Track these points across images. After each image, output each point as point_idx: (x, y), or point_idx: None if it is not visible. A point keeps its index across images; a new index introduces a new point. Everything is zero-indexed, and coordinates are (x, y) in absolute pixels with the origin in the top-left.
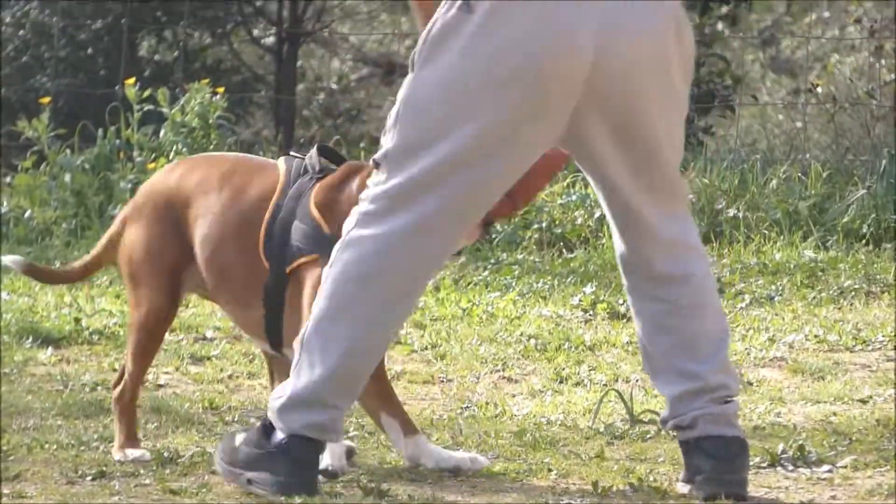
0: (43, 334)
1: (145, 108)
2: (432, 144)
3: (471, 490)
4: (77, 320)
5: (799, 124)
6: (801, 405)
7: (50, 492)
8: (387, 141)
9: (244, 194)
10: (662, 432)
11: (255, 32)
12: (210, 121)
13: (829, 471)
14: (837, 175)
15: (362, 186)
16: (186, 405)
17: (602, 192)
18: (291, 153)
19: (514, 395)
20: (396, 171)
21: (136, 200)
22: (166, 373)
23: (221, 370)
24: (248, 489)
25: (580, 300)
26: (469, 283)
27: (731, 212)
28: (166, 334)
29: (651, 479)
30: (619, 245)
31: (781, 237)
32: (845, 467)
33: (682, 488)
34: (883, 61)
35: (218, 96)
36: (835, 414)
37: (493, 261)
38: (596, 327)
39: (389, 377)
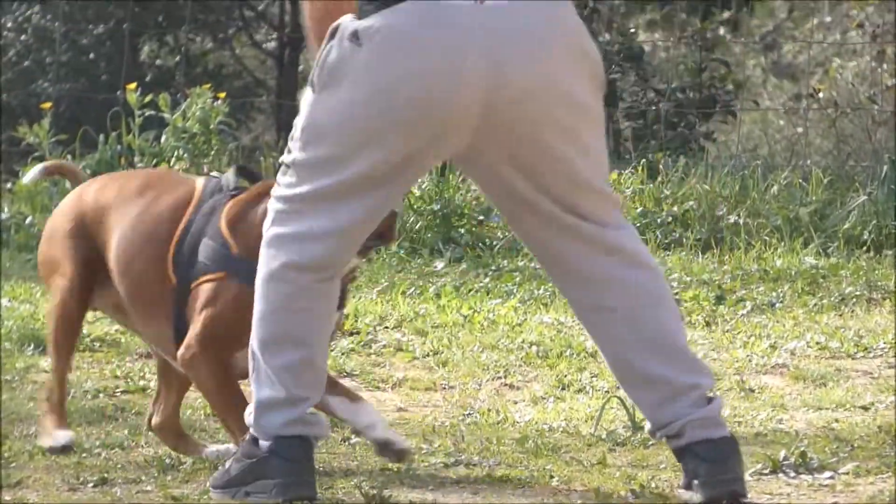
0: (44, 341)
1: (147, 114)
2: (337, 165)
3: (472, 496)
4: None
5: (800, 129)
6: (803, 412)
7: (52, 498)
8: (294, 149)
9: (157, 208)
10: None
11: (257, 37)
12: (211, 126)
13: (831, 477)
14: (839, 181)
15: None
16: (188, 412)
17: (519, 213)
18: (212, 174)
19: (515, 402)
20: (305, 180)
21: (53, 217)
22: None
23: None
24: (248, 501)
25: None
26: (470, 290)
27: (732, 218)
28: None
29: (653, 485)
30: (553, 262)
31: (782, 244)
32: (847, 474)
33: (684, 495)
34: (885, 66)
35: (219, 101)
36: (836, 421)
37: (494, 268)
38: None
39: (392, 384)
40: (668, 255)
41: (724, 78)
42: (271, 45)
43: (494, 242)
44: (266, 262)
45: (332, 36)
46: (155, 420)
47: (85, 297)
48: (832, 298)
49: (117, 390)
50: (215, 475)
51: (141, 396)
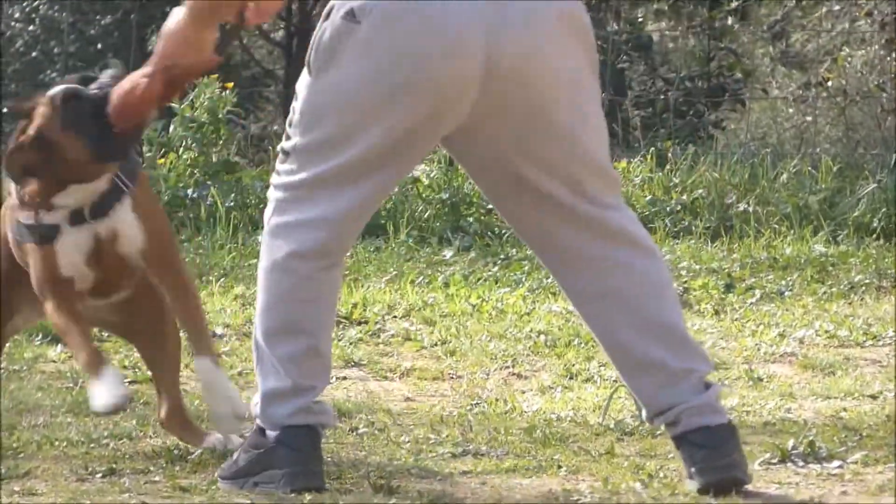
0: (52, 331)
1: None
2: (338, 147)
3: (480, 486)
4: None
5: (809, 118)
6: (812, 401)
7: (60, 489)
8: (293, 134)
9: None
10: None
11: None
12: (220, 116)
13: (840, 466)
14: (848, 169)
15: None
16: (196, 402)
17: (514, 195)
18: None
19: (523, 392)
20: (305, 165)
21: None
22: None
23: (231, 367)
24: (256, 492)
25: None
26: (479, 279)
27: (742, 206)
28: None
29: (661, 475)
30: (548, 248)
31: (792, 232)
32: (856, 463)
33: (690, 485)
34: (893, 55)
35: (227, 91)
36: (845, 409)
37: (502, 256)
38: None
39: (399, 374)
40: (676, 243)
41: (732, 67)
42: (279, 35)
43: (503, 231)
44: (268, 252)
45: (326, 17)
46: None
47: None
48: (841, 287)
49: (126, 380)
50: (223, 466)
51: (149, 386)
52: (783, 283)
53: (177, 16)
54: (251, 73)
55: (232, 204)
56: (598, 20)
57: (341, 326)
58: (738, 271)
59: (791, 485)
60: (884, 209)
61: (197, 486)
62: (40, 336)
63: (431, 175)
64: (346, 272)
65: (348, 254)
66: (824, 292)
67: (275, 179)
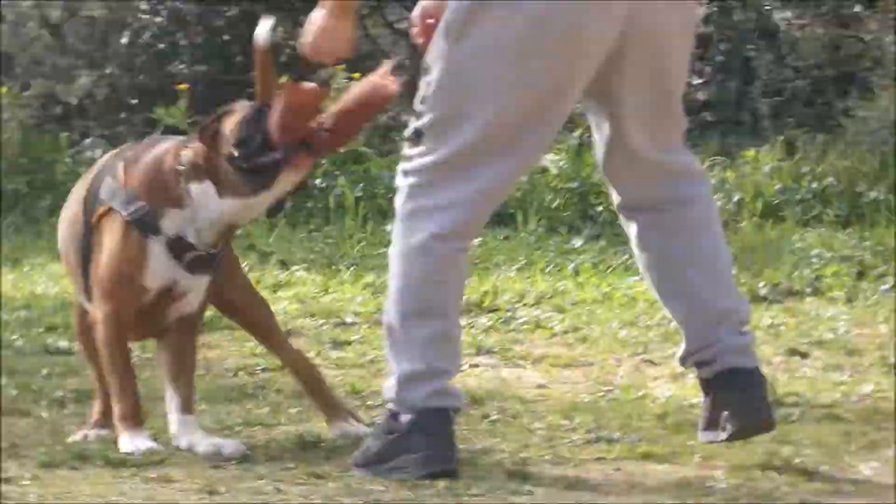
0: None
1: None
2: (476, 116)
3: (614, 472)
4: None
5: None
6: None
7: (195, 476)
8: (427, 110)
9: (90, 173)
10: (807, 414)
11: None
12: None
13: None
14: None
15: (168, 157)
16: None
17: (608, 132)
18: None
19: (655, 378)
20: (441, 142)
21: None
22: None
23: (362, 355)
24: (391, 478)
25: None
26: (609, 268)
27: (873, 194)
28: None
29: (796, 460)
30: (621, 182)
31: None
32: None
33: (707, 436)
34: None
35: (354, 81)
36: None
37: None
38: None
39: (531, 361)
40: (807, 231)
41: (861, 55)
42: (403, 24)
43: None
44: (404, 235)
45: None
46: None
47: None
48: None
49: (257, 368)
50: (355, 455)
51: (281, 374)
52: None
53: (318, 11)
54: (376, 62)
55: (360, 194)
56: (724, 9)
57: (472, 314)
58: (870, 259)
59: None
60: None
61: (331, 473)
62: None
63: (560, 164)
64: (477, 260)
65: (477, 242)
66: None
67: (406, 165)
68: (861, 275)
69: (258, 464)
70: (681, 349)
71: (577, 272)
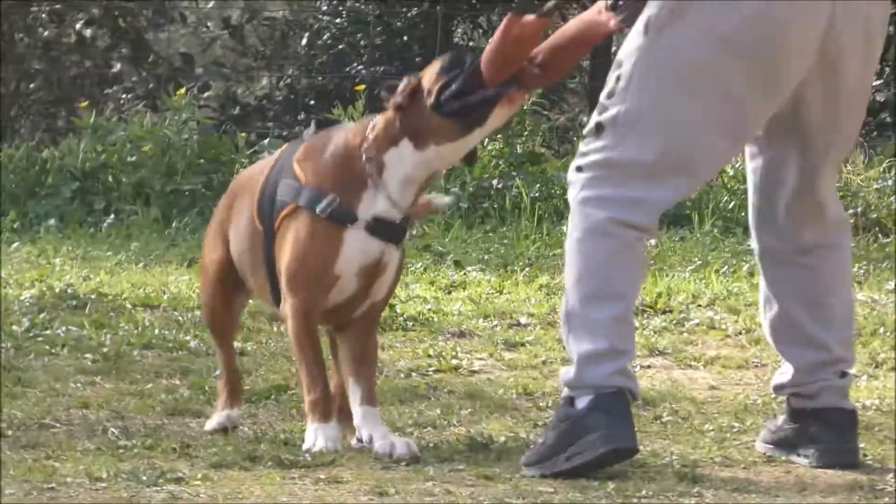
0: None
1: None
2: (664, 116)
3: (785, 475)
4: (392, 306)
5: None
6: None
7: (365, 477)
8: (613, 104)
9: (248, 181)
10: None
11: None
12: (524, 107)
13: None
14: None
15: (349, 140)
16: (500, 391)
17: (789, 164)
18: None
19: None
20: (624, 139)
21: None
22: (480, 359)
23: (535, 356)
24: (570, 468)
25: (895, 285)
26: None
27: None
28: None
29: None
30: (767, 206)
31: None
32: None
33: (761, 448)
34: None
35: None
36: None
37: None
38: None
39: (704, 362)
40: None
41: None
42: None
43: None
44: (581, 222)
45: None
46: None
47: (233, 280)
48: None
49: (429, 369)
50: (527, 455)
51: (454, 375)
52: None
53: None
54: None
55: (536, 195)
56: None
57: (645, 315)
58: None
59: None
60: None
61: (501, 475)
62: None
63: (736, 166)
64: (651, 262)
65: (652, 243)
66: None
67: (581, 161)
68: None
69: (428, 465)
70: (777, 378)
71: (751, 273)
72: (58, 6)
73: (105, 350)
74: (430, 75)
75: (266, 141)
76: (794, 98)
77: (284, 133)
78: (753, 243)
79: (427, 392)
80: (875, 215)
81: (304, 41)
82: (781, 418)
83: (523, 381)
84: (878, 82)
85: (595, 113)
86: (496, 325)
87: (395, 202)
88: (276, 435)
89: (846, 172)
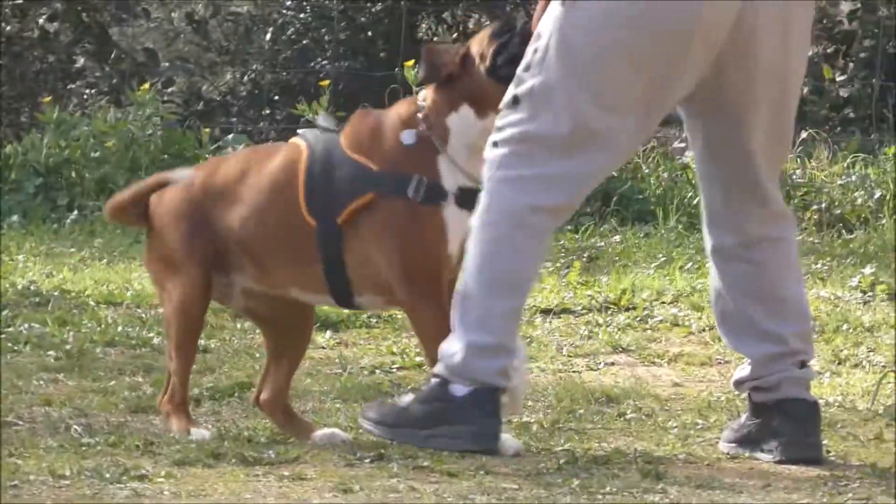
0: (322, 317)
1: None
2: (579, 88)
3: (748, 471)
4: None
5: None
6: None
7: (329, 474)
8: (530, 76)
9: (271, 171)
10: None
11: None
12: None
13: None
14: None
15: (403, 115)
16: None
17: (721, 151)
18: (298, 131)
19: None
20: (539, 111)
21: (161, 216)
22: None
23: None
24: (427, 445)
25: (859, 281)
26: None
27: None
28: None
29: None
30: (713, 202)
31: None
32: None
33: (725, 447)
34: None
35: None
36: None
37: None
38: (875, 309)
39: (667, 359)
40: None
41: None
42: None
43: None
44: (499, 202)
45: None
46: (263, 396)
47: (208, 293)
48: None
49: (393, 366)
50: (379, 409)
51: (417, 372)
52: None
53: None
54: None
55: None
56: (868, 4)
57: (609, 312)
58: None
59: None
60: None
61: (465, 471)
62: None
63: None
64: (616, 258)
65: (617, 239)
66: None
67: (497, 136)
68: None
69: (392, 461)
70: (738, 374)
71: None
72: (20, 1)
73: (68, 347)
74: (479, 40)
75: (230, 136)
76: (713, 80)
77: (248, 128)
78: (705, 241)
79: (391, 389)
80: (839, 211)
81: (268, 36)
82: (744, 416)
83: None
84: (842, 78)
85: (512, 85)
86: None
87: (466, 171)
88: (240, 432)
89: (810, 168)
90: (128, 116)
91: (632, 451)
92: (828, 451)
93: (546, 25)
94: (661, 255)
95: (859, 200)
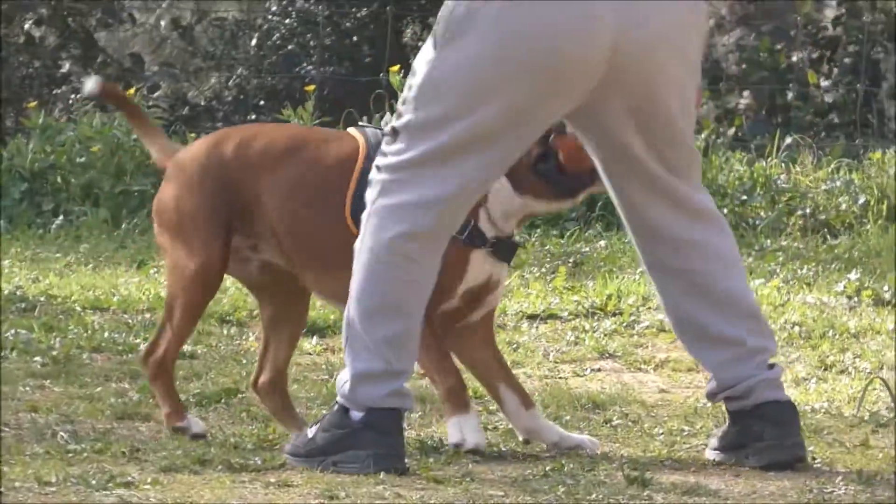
0: (308, 323)
1: None
2: (452, 123)
3: (734, 478)
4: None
5: None
6: None
7: (315, 480)
8: (406, 111)
9: (322, 163)
10: None
11: None
12: None
13: None
14: None
15: None
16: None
17: (619, 168)
18: (360, 124)
19: None
20: (416, 142)
21: (182, 170)
22: None
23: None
24: (335, 471)
25: (844, 287)
26: None
27: None
28: None
29: None
30: (632, 217)
31: None
32: None
33: (711, 455)
34: None
35: None
36: None
37: (756, 247)
38: (860, 314)
39: (654, 365)
40: None
41: None
42: None
43: (757, 222)
44: (373, 232)
45: None
46: (262, 379)
47: (227, 258)
48: None
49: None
50: (294, 442)
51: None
52: None
53: None
54: None
55: None
56: (852, 9)
57: (595, 318)
58: None
59: None
60: None
61: (451, 478)
62: None
63: None
64: (601, 263)
65: (603, 244)
66: None
67: (380, 161)
68: None
69: None
70: (708, 387)
71: None
72: (5, 6)
73: (54, 353)
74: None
75: None
76: (611, 137)
77: None
78: (640, 259)
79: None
80: (824, 216)
81: (253, 41)
82: (727, 424)
83: (472, 385)
84: (827, 83)
85: (393, 117)
86: None
87: (500, 228)
88: (226, 438)
89: (795, 173)
90: (113, 122)
91: (618, 457)
92: (813, 458)
93: (420, 63)
94: None
95: (844, 206)
